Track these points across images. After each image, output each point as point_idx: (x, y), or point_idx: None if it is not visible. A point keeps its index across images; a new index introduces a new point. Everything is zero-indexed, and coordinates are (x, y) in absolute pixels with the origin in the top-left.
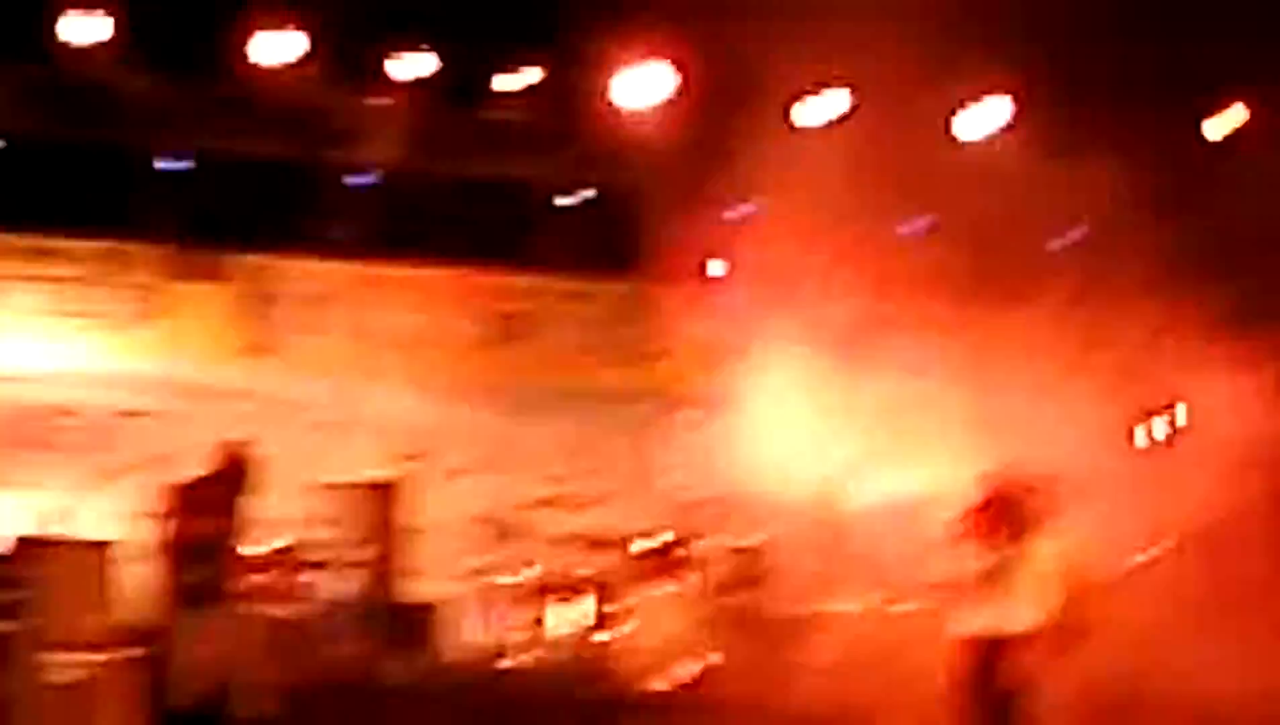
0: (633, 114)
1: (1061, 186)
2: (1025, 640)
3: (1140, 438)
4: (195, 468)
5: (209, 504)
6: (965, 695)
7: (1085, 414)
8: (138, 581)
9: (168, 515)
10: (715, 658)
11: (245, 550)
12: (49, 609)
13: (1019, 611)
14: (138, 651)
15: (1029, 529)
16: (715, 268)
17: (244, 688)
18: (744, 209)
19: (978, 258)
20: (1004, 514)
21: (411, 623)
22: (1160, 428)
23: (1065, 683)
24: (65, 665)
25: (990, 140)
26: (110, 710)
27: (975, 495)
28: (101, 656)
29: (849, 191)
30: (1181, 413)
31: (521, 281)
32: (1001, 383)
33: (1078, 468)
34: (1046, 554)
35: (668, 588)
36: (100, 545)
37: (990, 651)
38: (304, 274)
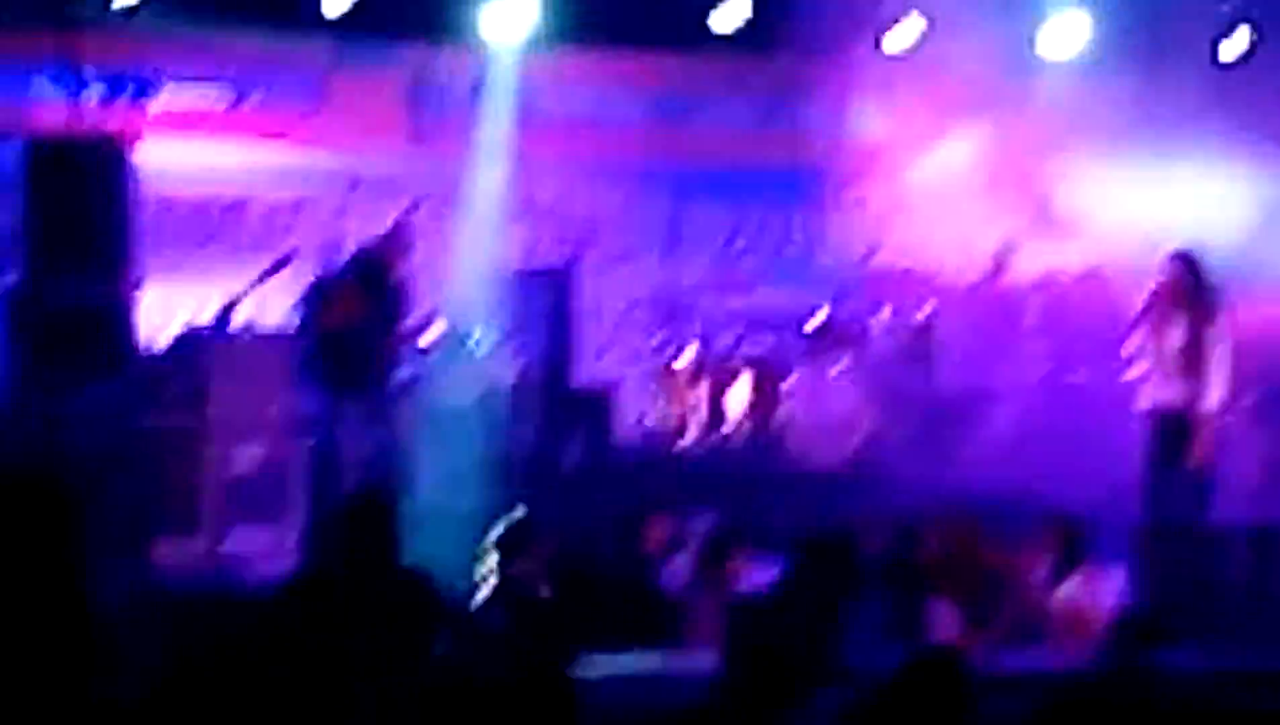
0: None
1: None
2: (1214, 417)
3: None
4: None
5: (366, 292)
6: (1151, 471)
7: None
8: (309, 371)
9: (327, 304)
10: (886, 433)
11: (414, 338)
12: (226, 400)
13: (1208, 388)
14: (310, 440)
15: (1214, 307)
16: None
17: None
18: None
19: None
20: (1190, 291)
21: (585, 406)
22: None
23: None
24: (244, 455)
25: None
26: (289, 498)
27: (1163, 272)
28: (286, 442)
29: None
30: None
31: (683, 63)
32: (1171, 157)
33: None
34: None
35: (837, 365)
36: (274, 336)
37: (1179, 426)
38: (472, 62)
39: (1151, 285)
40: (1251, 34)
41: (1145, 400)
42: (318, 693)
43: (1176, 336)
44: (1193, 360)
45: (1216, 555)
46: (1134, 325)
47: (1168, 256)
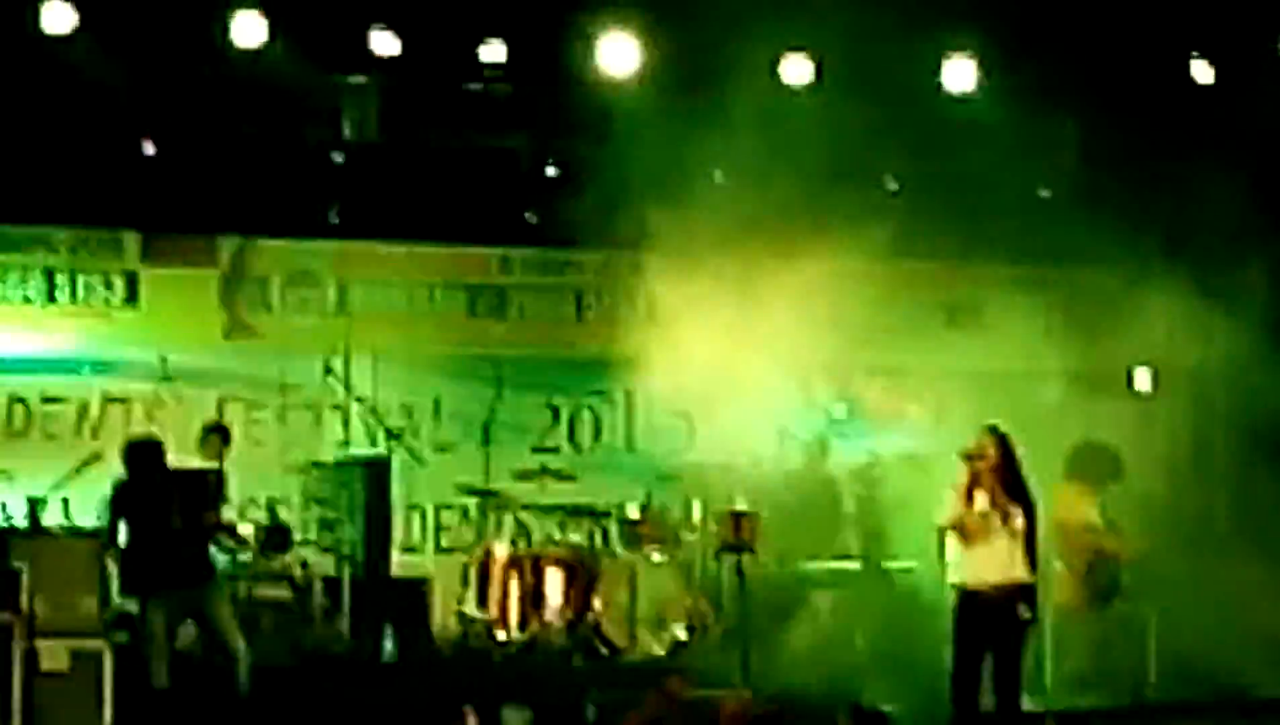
0: (610, 83)
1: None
2: (1028, 590)
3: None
4: (181, 453)
5: (197, 489)
6: (967, 647)
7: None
8: (125, 567)
9: (159, 499)
10: (709, 623)
11: (235, 531)
12: (41, 595)
13: (1020, 562)
14: (125, 636)
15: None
16: (690, 239)
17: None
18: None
19: (956, 215)
20: (1004, 466)
21: (401, 597)
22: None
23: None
24: (56, 651)
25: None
26: (100, 694)
27: (978, 449)
28: (92, 642)
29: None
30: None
31: (504, 254)
32: (984, 339)
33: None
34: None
35: (657, 555)
36: (89, 532)
37: (994, 601)
38: (287, 254)
39: (967, 460)
40: None
41: (960, 576)
42: None
43: (993, 511)
44: (1011, 536)
45: None
46: (938, 503)
47: (982, 431)
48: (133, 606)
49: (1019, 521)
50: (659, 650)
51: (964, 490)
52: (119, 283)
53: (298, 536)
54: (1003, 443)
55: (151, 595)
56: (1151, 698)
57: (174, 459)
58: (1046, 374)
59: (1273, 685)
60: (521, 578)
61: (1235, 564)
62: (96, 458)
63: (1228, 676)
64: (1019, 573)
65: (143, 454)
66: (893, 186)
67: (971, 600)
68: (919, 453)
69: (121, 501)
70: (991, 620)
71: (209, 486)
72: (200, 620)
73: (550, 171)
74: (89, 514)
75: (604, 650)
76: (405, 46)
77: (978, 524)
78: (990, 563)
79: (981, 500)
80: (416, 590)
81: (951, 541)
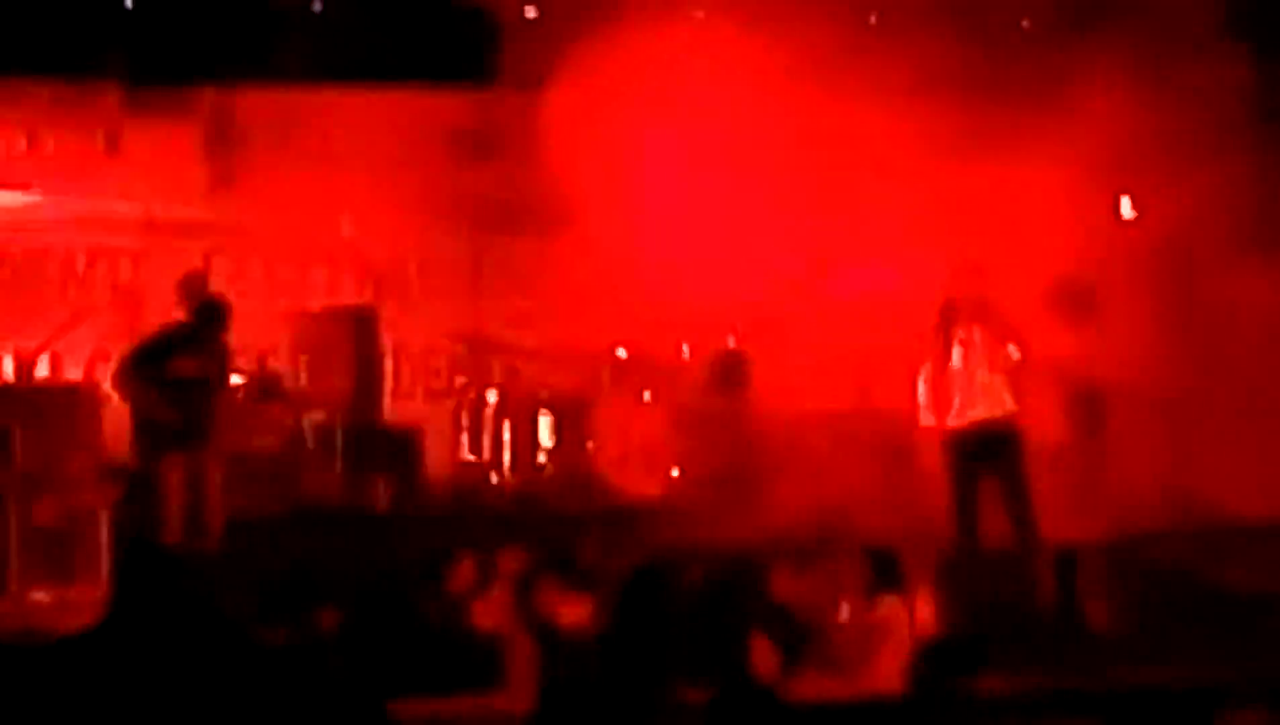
0: None
1: None
2: (1017, 430)
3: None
4: (167, 305)
5: (183, 342)
6: (960, 486)
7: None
8: (119, 421)
9: (146, 354)
10: (699, 463)
11: (225, 384)
12: (33, 451)
13: (1005, 401)
14: (121, 491)
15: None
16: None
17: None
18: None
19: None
20: (983, 303)
21: (393, 446)
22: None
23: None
24: (51, 507)
25: None
26: (96, 549)
27: (956, 284)
28: (90, 494)
29: None
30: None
31: (485, 98)
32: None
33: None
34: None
35: (646, 395)
36: (80, 386)
37: (981, 441)
38: (268, 104)
39: (944, 299)
40: None
41: (951, 418)
42: None
43: (976, 349)
44: (994, 373)
45: (1022, 579)
46: (931, 339)
47: (957, 268)
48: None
49: (1014, 354)
50: (653, 490)
51: (949, 326)
52: (101, 137)
53: (289, 386)
54: (982, 279)
55: (169, 450)
56: (1141, 526)
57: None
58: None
59: (1261, 508)
60: (513, 422)
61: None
62: (85, 312)
63: (1215, 502)
64: (1010, 405)
65: (210, 307)
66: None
67: (969, 436)
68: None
69: (142, 360)
70: (991, 453)
71: (222, 348)
72: (196, 483)
73: (529, 13)
74: (79, 369)
75: (598, 491)
76: None
77: (963, 365)
78: (985, 397)
79: (972, 334)
80: (408, 437)
81: (935, 381)
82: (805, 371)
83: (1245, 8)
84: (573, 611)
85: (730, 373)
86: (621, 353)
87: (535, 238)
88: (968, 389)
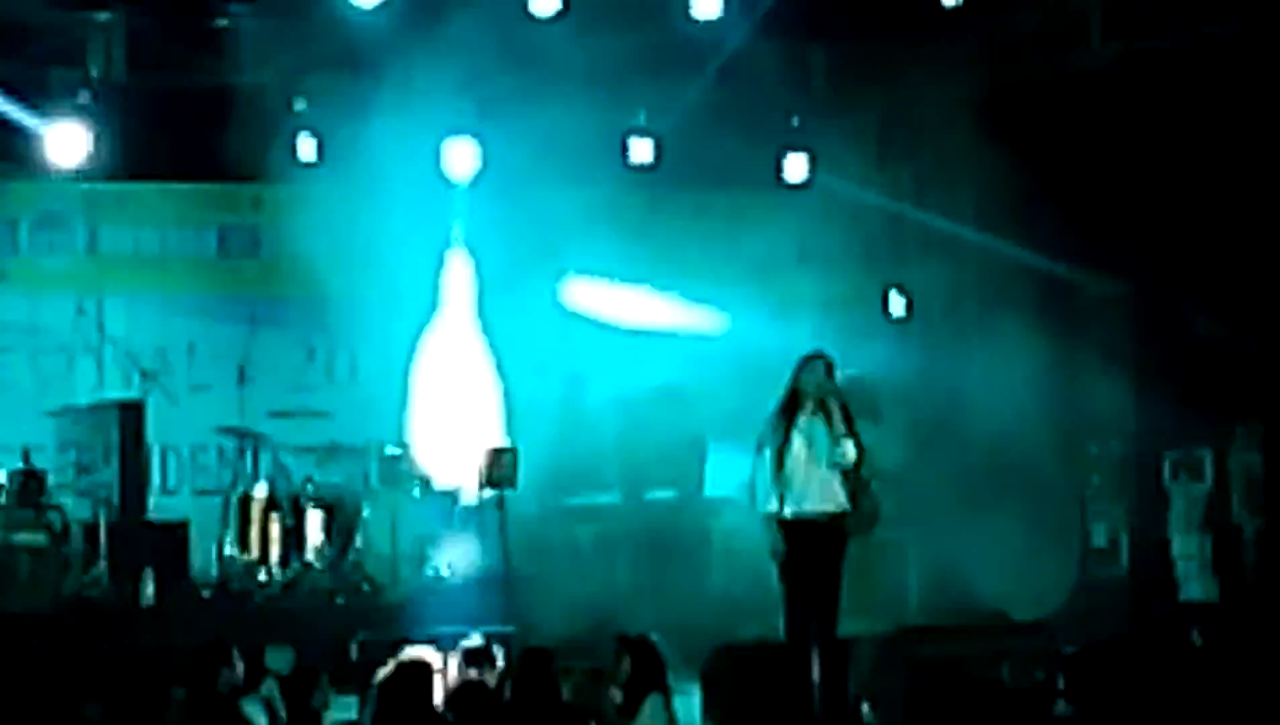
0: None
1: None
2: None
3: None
4: None
5: None
6: (792, 577)
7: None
8: None
9: None
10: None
11: None
12: None
13: (839, 497)
14: None
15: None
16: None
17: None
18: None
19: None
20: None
21: (161, 542)
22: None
23: None
24: None
25: None
26: None
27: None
28: None
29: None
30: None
31: (255, 192)
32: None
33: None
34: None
35: (417, 492)
36: None
37: (814, 533)
38: (36, 194)
39: (792, 387)
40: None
41: (786, 508)
42: None
43: (811, 442)
44: (823, 469)
45: (791, 673)
46: (766, 429)
47: (804, 358)
48: None
49: (851, 452)
50: (421, 586)
51: (788, 417)
52: None
53: (53, 481)
54: (829, 367)
55: None
56: (911, 622)
57: None
58: (801, 302)
59: (1027, 608)
60: (281, 517)
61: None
62: None
63: (986, 600)
64: (843, 501)
65: None
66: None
67: (802, 528)
68: (678, 385)
69: None
70: (819, 547)
71: None
72: None
73: (298, 106)
74: None
75: (366, 588)
76: None
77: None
78: (822, 490)
79: (814, 428)
80: (175, 533)
81: (774, 469)
82: (574, 466)
83: None
84: (344, 708)
85: (497, 468)
86: (392, 449)
87: (303, 330)
88: (806, 481)
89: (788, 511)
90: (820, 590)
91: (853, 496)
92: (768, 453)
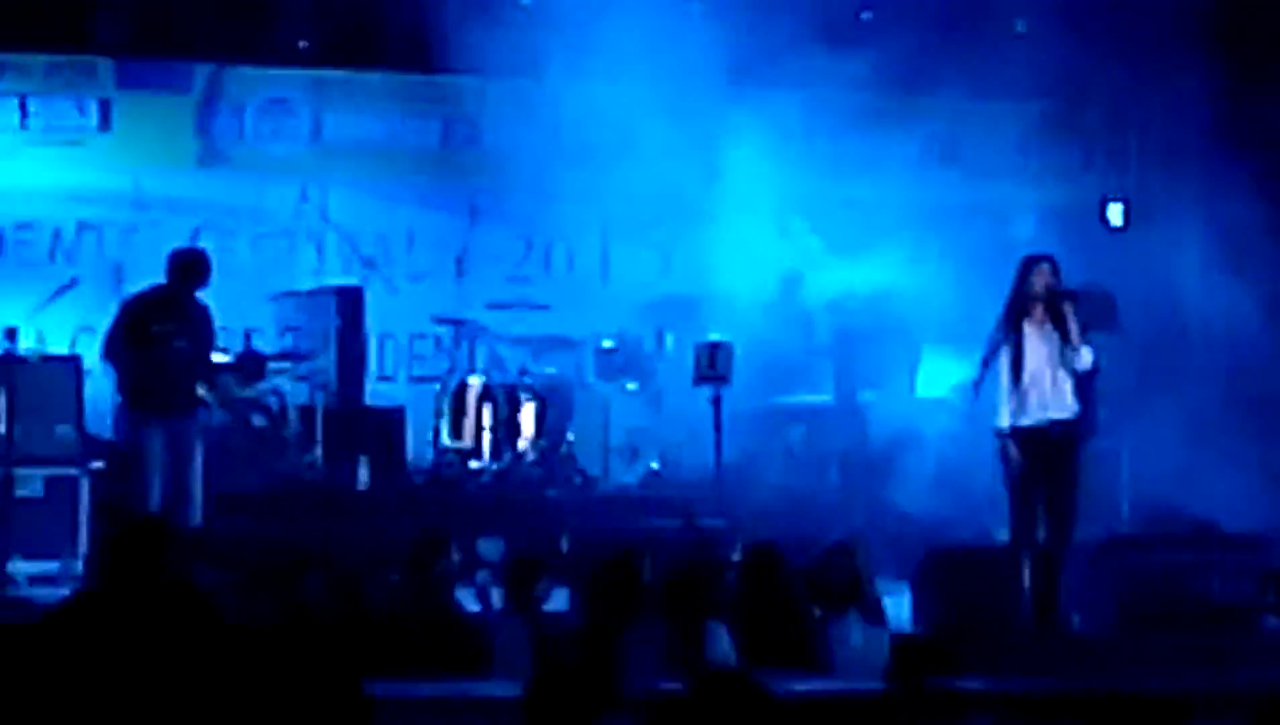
0: None
1: None
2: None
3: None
4: (154, 279)
5: (170, 315)
6: (1022, 486)
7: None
8: (102, 394)
9: (129, 327)
10: (681, 454)
11: (210, 360)
12: (18, 423)
13: (1072, 403)
14: (104, 463)
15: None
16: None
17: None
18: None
19: (931, 46)
20: (1056, 299)
21: (376, 428)
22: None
23: None
24: (31, 478)
25: None
26: (76, 521)
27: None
28: (71, 469)
29: None
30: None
31: (479, 84)
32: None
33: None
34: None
35: (631, 386)
36: (66, 359)
37: (1047, 441)
38: (262, 81)
39: (1019, 290)
40: None
41: (1021, 417)
42: (92, 711)
43: (1044, 348)
44: (1059, 374)
45: (1001, 578)
46: (996, 336)
47: (1029, 261)
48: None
49: (1088, 358)
50: (632, 481)
51: (1017, 321)
52: (93, 109)
53: (272, 365)
54: (1055, 273)
55: (148, 422)
56: (1124, 532)
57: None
58: (1021, 208)
59: (1243, 519)
60: (495, 408)
61: (1209, 401)
62: (72, 284)
63: (1200, 510)
64: (1075, 407)
65: (189, 267)
66: (866, 15)
67: (1038, 436)
68: (893, 287)
69: (121, 328)
70: (1053, 454)
71: (203, 318)
72: (177, 454)
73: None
74: (64, 342)
75: (578, 480)
76: None
77: (1032, 365)
78: (1056, 398)
79: (1045, 333)
80: (391, 419)
81: (1010, 378)
82: (788, 365)
83: None
84: (554, 599)
85: (713, 365)
86: (606, 342)
87: (521, 224)
88: (1041, 388)
89: (1025, 421)
90: (1057, 499)
91: (1084, 403)
92: (1003, 360)
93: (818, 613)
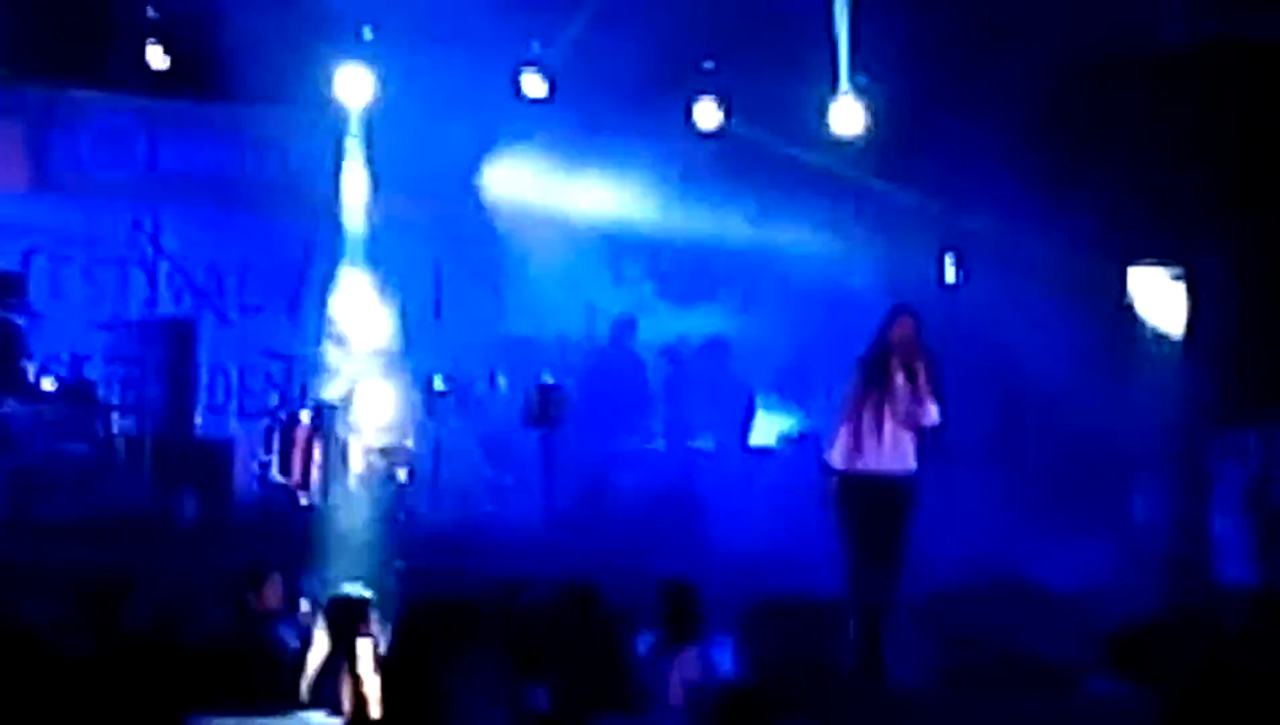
0: None
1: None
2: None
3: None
4: None
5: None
6: (854, 535)
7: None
8: None
9: None
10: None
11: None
12: None
13: (910, 458)
14: None
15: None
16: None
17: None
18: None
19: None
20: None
21: (204, 460)
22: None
23: None
24: None
25: None
26: None
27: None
28: None
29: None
30: None
31: (310, 116)
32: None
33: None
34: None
35: (462, 427)
36: None
37: (883, 492)
38: (98, 106)
39: (878, 340)
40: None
41: (857, 463)
42: None
43: (893, 399)
44: (901, 428)
45: (828, 628)
46: (856, 381)
47: (894, 310)
48: None
49: (934, 414)
50: (463, 520)
51: (872, 370)
52: None
53: (101, 393)
54: (918, 323)
55: None
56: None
57: None
58: (856, 259)
59: (1075, 579)
60: (326, 444)
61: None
62: None
63: (1031, 570)
64: (913, 463)
65: None
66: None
67: (870, 486)
68: (726, 334)
69: None
70: (888, 506)
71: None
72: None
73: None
74: None
75: (402, 518)
76: None
77: (884, 410)
78: (895, 449)
79: (895, 383)
80: (219, 452)
81: (848, 423)
82: (622, 410)
83: None
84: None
85: (546, 407)
86: (439, 383)
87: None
88: (881, 438)
89: (860, 467)
90: (887, 551)
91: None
92: (849, 403)
93: (646, 649)
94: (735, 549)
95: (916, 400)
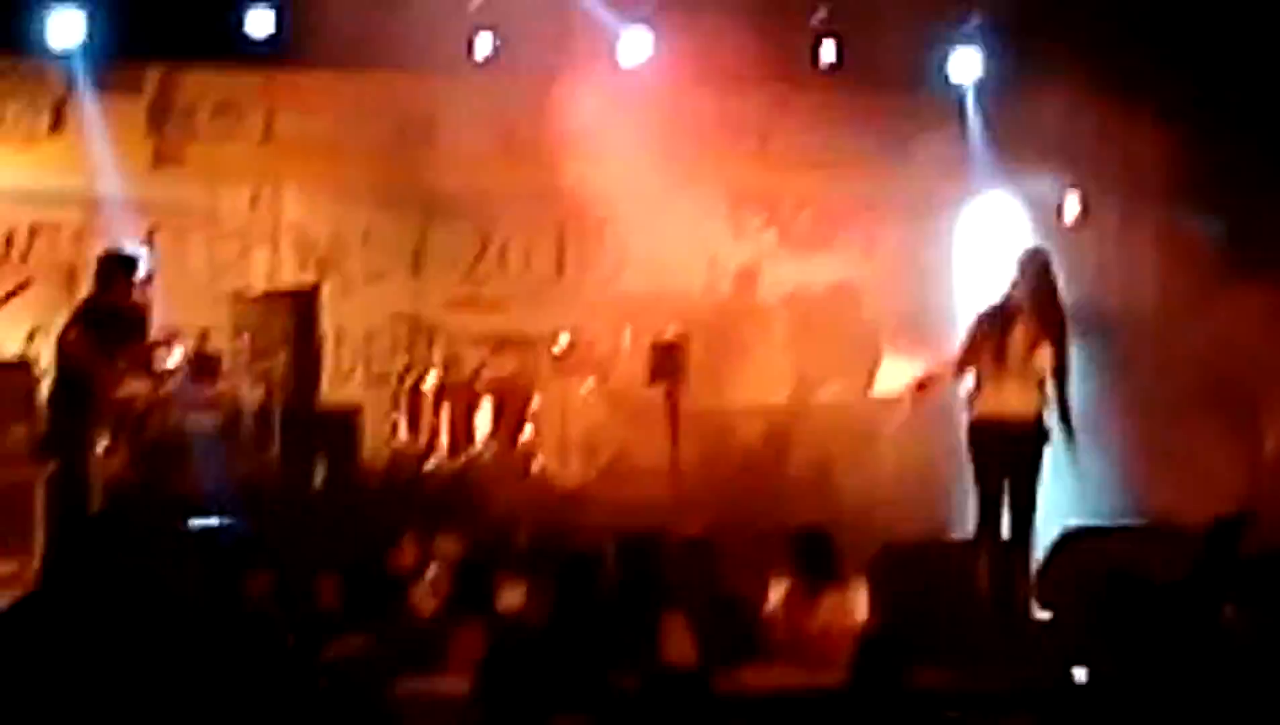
0: None
1: None
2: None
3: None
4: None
5: (122, 316)
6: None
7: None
8: (54, 395)
9: (78, 330)
10: (634, 452)
11: (162, 362)
12: None
13: (1037, 401)
14: (55, 463)
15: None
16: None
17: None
18: None
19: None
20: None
21: (330, 428)
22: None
23: None
24: None
25: None
26: (30, 522)
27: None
28: (22, 471)
29: None
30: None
31: (428, 85)
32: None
33: None
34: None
35: (586, 384)
36: (17, 361)
37: (1012, 436)
38: (214, 83)
39: (1007, 285)
40: None
41: (985, 408)
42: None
43: (1025, 341)
44: (1037, 367)
45: (961, 570)
46: (977, 327)
47: (1025, 254)
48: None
49: (1047, 360)
50: (590, 478)
51: (999, 318)
52: (46, 111)
53: (227, 366)
54: (1049, 269)
55: (84, 424)
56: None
57: None
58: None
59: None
60: (452, 407)
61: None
62: (24, 286)
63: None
64: (1039, 405)
65: (114, 268)
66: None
67: (995, 429)
68: (849, 282)
69: (88, 316)
70: (1017, 449)
71: (130, 321)
72: (129, 448)
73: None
74: (16, 343)
75: (535, 478)
76: None
77: (1012, 357)
78: (1022, 394)
79: (1017, 330)
80: (346, 420)
81: (974, 370)
82: (743, 364)
83: None
84: (509, 596)
85: (669, 363)
86: (562, 340)
87: (479, 221)
88: (1005, 383)
89: (977, 412)
90: (1019, 492)
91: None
92: (983, 352)
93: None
94: (863, 496)
95: (1041, 344)
